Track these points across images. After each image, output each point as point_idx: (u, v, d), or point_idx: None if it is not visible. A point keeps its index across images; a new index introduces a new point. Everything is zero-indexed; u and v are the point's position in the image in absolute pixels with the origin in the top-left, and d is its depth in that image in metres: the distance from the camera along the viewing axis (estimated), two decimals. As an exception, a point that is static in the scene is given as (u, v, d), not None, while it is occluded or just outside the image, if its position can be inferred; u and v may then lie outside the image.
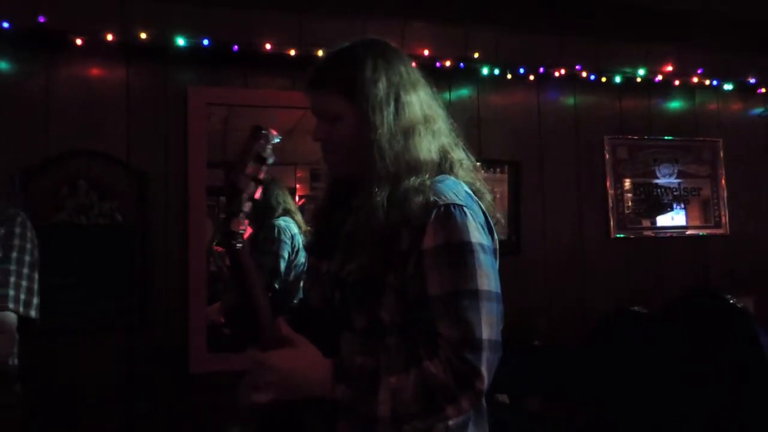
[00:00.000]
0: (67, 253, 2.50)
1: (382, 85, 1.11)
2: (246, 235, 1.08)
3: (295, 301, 2.62)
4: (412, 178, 1.08)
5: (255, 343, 1.08)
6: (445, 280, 1.02)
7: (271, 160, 1.08)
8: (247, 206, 1.06)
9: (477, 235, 1.05)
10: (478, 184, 1.19)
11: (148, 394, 2.52)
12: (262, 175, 1.07)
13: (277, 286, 2.67)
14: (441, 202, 1.06)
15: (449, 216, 1.04)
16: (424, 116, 1.16)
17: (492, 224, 1.15)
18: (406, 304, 1.05)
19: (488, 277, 1.04)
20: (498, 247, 1.16)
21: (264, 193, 2.54)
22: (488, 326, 1.01)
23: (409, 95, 1.14)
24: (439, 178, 1.13)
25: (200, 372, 2.58)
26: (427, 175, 1.10)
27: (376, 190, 1.08)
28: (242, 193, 1.05)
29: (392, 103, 1.11)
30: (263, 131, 1.07)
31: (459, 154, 1.20)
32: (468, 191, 1.14)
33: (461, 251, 1.03)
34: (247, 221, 1.06)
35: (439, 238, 1.03)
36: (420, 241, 1.04)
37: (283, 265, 2.69)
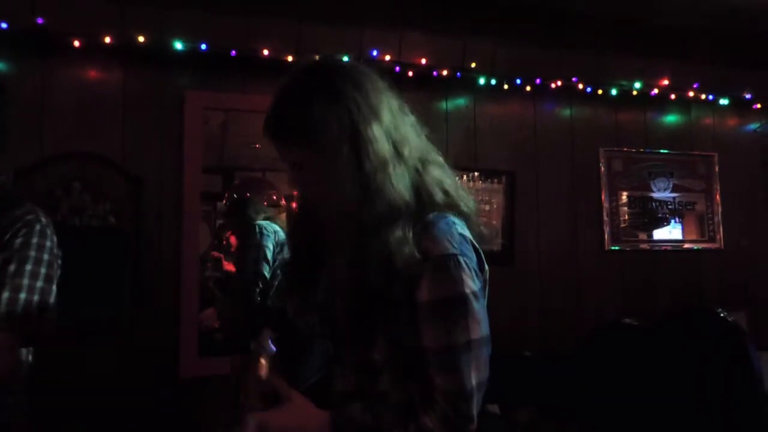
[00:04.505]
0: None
1: (333, 130, 1.00)
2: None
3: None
4: (390, 232, 1.01)
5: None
6: (440, 334, 1.03)
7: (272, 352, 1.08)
8: None
9: (470, 284, 1.04)
10: (459, 203, 1.12)
11: (137, 398, 2.50)
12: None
13: (266, 273, 2.71)
14: (436, 253, 1.03)
15: (444, 268, 1.03)
16: (393, 145, 1.05)
17: (483, 257, 1.12)
18: (400, 349, 1.06)
19: (479, 323, 1.05)
20: (488, 277, 1.14)
21: (243, 208, 2.59)
22: (477, 372, 1.04)
23: (370, 127, 1.02)
24: (431, 218, 1.06)
25: (190, 376, 2.56)
26: (406, 224, 1.03)
27: (344, 245, 1.04)
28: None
29: (350, 146, 1.00)
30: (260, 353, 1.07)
31: (433, 172, 1.11)
32: (461, 232, 1.07)
33: (456, 305, 1.03)
34: None
35: (434, 293, 1.03)
36: (414, 293, 1.04)
37: (269, 254, 2.72)
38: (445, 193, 1.11)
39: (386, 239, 1.01)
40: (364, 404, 1.07)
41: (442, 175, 1.13)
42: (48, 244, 1.51)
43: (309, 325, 1.16)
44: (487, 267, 1.13)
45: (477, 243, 1.12)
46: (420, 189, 1.08)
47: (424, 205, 1.07)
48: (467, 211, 1.14)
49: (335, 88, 1.02)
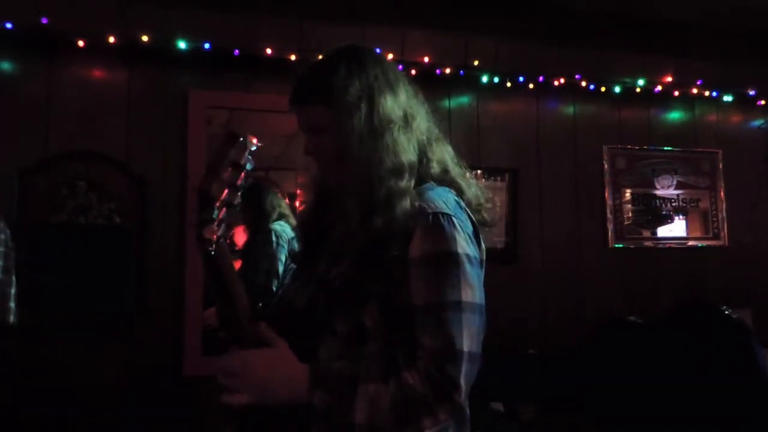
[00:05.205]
0: (64, 253, 2.50)
1: (353, 90, 1.10)
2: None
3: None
4: (393, 181, 1.07)
5: (235, 343, 1.09)
6: (430, 290, 1.02)
7: (249, 166, 1.07)
8: (222, 212, 1.04)
9: (464, 245, 1.05)
10: (459, 182, 1.18)
11: (142, 396, 2.52)
12: (240, 182, 1.06)
13: (275, 288, 2.68)
14: (430, 210, 1.05)
15: (438, 225, 1.04)
16: (404, 114, 1.14)
17: (480, 236, 1.14)
18: (391, 312, 1.05)
19: (473, 288, 1.04)
20: (485, 257, 1.15)
21: (257, 198, 2.55)
22: (469, 338, 1.01)
23: (384, 96, 1.12)
24: (428, 185, 1.13)
25: (194, 375, 2.57)
26: (409, 179, 1.09)
27: (351, 196, 1.07)
28: (215, 200, 1.03)
29: (364, 106, 1.10)
30: (240, 138, 1.07)
31: (438, 151, 1.18)
32: (457, 199, 1.13)
33: (447, 262, 1.03)
34: (220, 227, 1.04)
35: (426, 248, 1.03)
36: (407, 249, 1.04)
37: (280, 268, 2.69)
38: (444, 170, 1.18)
39: (390, 187, 1.06)
40: (347, 362, 1.06)
41: (446, 156, 1.19)
42: (2, 237, 1.56)
43: (307, 299, 1.16)
44: (484, 246, 1.15)
45: (479, 227, 1.15)
46: (422, 158, 1.15)
47: (422, 174, 1.14)
48: (468, 193, 1.17)
49: (360, 61, 1.13)
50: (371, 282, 1.05)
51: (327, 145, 1.13)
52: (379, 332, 1.06)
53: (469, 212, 1.14)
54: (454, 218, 1.06)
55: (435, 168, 1.16)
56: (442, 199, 1.09)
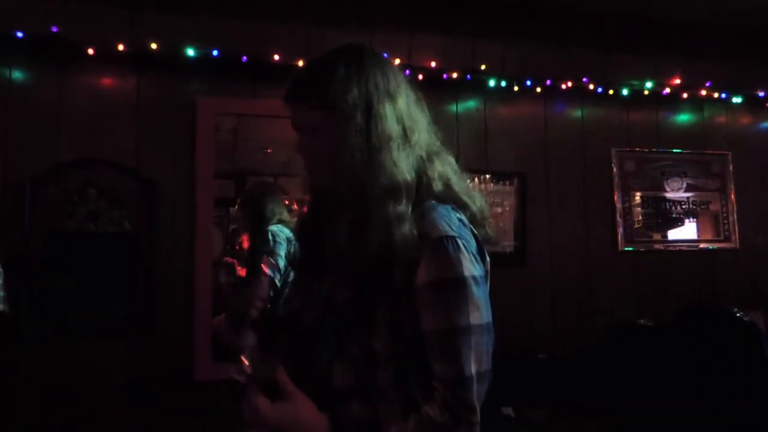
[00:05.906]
0: (75, 259, 2.52)
1: (351, 97, 1.05)
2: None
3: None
4: (391, 204, 1.03)
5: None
6: (439, 317, 1.02)
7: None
8: (248, 358, 1.11)
9: (470, 267, 1.03)
10: (464, 198, 1.14)
11: (151, 401, 2.53)
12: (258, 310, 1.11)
13: (278, 283, 2.69)
14: (434, 235, 1.03)
15: (443, 250, 1.02)
16: (402, 128, 1.09)
17: (484, 249, 1.12)
18: (400, 337, 1.05)
19: (480, 309, 1.03)
20: (489, 269, 1.14)
21: (258, 206, 2.62)
22: (478, 360, 1.02)
23: (383, 106, 1.07)
24: (430, 205, 1.08)
25: (204, 380, 2.58)
26: (407, 201, 1.05)
27: (345, 210, 1.06)
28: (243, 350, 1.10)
29: (362, 116, 1.05)
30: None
31: (439, 166, 1.13)
32: (460, 217, 1.10)
33: (454, 287, 1.02)
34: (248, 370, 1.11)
35: (432, 274, 1.02)
36: (413, 275, 1.03)
37: (281, 263, 2.70)
38: (447, 186, 1.13)
39: (387, 210, 1.03)
40: (364, 400, 1.06)
41: (448, 171, 1.15)
42: None
43: (314, 319, 1.15)
44: (488, 258, 1.13)
45: (483, 243, 1.12)
46: (421, 176, 1.10)
47: (423, 193, 1.09)
48: (472, 208, 1.15)
49: (361, 63, 1.09)
50: (377, 307, 1.04)
51: (320, 148, 1.10)
52: (390, 357, 1.05)
53: (473, 228, 1.12)
54: (458, 240, 1.04)
55: (437, 184, 1.11)
56: (445, 219, 1.06)
